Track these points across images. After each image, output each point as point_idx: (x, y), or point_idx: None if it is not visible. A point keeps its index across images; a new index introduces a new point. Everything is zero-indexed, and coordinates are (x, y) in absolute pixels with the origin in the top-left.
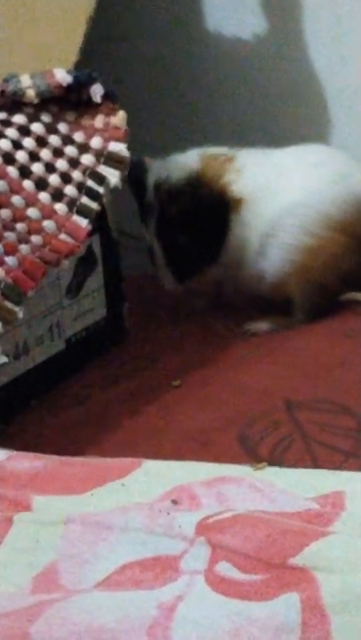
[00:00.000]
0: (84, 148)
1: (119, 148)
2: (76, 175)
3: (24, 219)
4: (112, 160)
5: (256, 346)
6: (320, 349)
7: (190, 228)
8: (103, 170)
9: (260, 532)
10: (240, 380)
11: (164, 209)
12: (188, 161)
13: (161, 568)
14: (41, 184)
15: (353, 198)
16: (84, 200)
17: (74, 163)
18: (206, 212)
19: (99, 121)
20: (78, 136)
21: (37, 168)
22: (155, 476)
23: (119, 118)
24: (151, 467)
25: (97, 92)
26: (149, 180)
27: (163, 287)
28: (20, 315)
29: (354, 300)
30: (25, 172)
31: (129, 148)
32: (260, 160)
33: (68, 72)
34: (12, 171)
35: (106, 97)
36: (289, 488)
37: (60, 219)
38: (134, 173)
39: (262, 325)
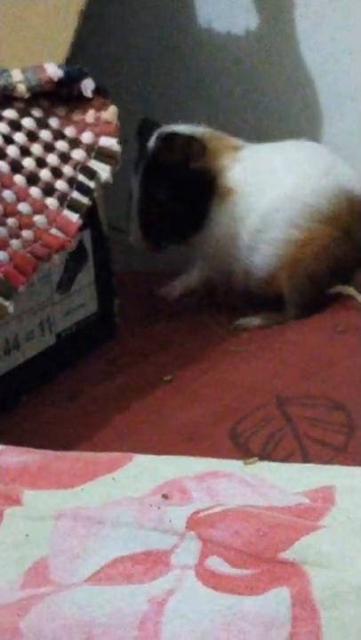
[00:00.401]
0: (74, 143)
1: (110, 142)
2: (67, 170)
3: (15, 213)
4: (103, 155)
5: (247, 341)
6: (311, 345)
7: (173, 185)
8: (94, 164)
9: (251, 526)
10: (231, 375)
11: (157, 154)
12: (197, 129)
13: (152, 562)
14: (32, 179)
15: (339, 191)
16: (75, 195)
17: (65, 157)
18: (194, 177)
19: (90, 116)
20: (69, 131)
21: (28, 163)
22: (145, 471)
23: (110, 113)
24: (142, 461)
25: (88, 86)
26: (154, 134)
27: (129, 242)
28: (11, 310)
29: (342, 293)
30: (16, 167)
31: (120, 142)
32: (255, 155)
33: (59, 67)
34: (3, 165)
35: (97, 92)
36: (279, 483)
37: (51, 213)
38: (145, 127)
39: (253, 321)
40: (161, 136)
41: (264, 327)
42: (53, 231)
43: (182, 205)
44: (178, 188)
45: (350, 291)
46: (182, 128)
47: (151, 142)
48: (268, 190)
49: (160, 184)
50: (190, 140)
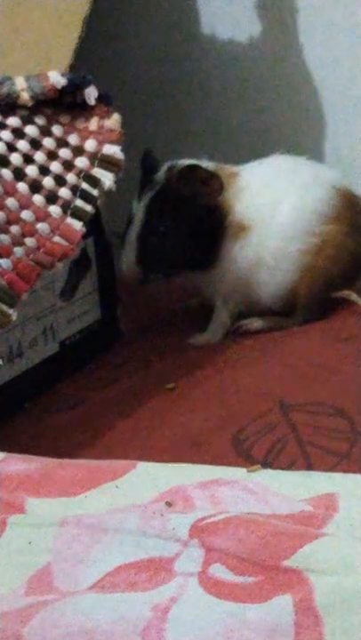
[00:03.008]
0: (78, 151)
1: (113, 150)
2: (71, 178)
3: (18, 221)
4: (106, 162)
5: (250, 348)
6: (314, 352)
7: (182, 218)
8: (97, 172)
9: (254, 534)
10: (234, 382)
11: (172, 186)
12: (208, 163)
13: (155, 570)
14: (35, 186)
15: (335, 191)
16: (79, 203)
17: (68, 165)
18: (206, 214)
19: (93, 123)
20: (72, 138)
21: (31, 170)
22: (148, 478)
23: (113, 121)
24: (145, 469)
25: (91, 94)
26: (163, 164)
27: (120, 270)
28: (14, 317)
29: (346, 298)
30: (19, 175)
31: (123, 150)
32: (253, 181)
33: (63, 74)
34: (7, 173)
35: (100, 99)
36: (283, 490)
37: (55, 221)
38: (148, 159)
39: (256, 323)
40: (179, 168)
41: (266, 333)
42: (57, 239)
43: (189, 240)
44: (187, 222)
45: (353, 296)
46: (191, 161)
47: (160, 173)
48: (278, 212)
49: (168, 215)
50: (213, 175)
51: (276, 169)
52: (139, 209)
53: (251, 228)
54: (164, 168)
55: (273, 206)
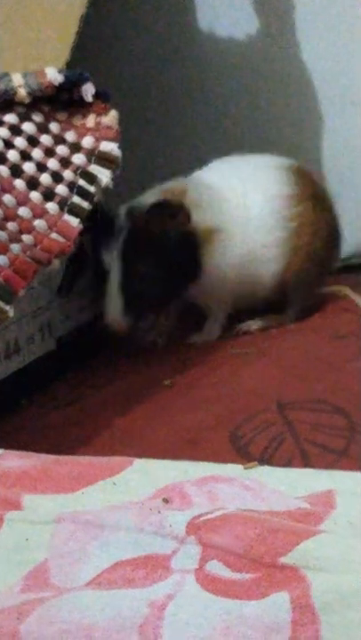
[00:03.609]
0: (75, 148)
1: (110, 147)
2: (68, 174)
3: (15, 218)
4: (103, 159)
5: (248, 347)
6: (311, 350)
7: (163, 253)
8: (94, 169)
9: (251, 531)
10: (232, 380)
11: (134, 230)
12: (154, 193)
13: (152, 567)
14: (32, 183)
15: (294, 172)
16: (76, 199)
17: (65, 162)
18: (181, 240)
19: (90, 120)
20: (70, 135)
21: (29, 167)
22: (146, 475)
23: (111, 118)
24: (142, 465)
25: (88, 91)
26: (121, 209)
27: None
28: (11, 314)
29: (340, 294)
30: (16, 172)
31: (121, 147)
32: (210, 186)
33: (60, 71)
34: (4, 170)
35: (97, 96)
36: (280, 487)
37: (52, 218)
38: (103, 210)
39: (254, 324)
40: (144, 209)
41: (264, 332)
42: (54, 235)
43: (171, 271)
44: (164, 257)
45: (346, 291)
46: (148, 197)
47: (122, 218)
48: (247, 207)
49: (145, 256)
50: (179, 207)
51: (226, 169)
52: (112, 259)
53: (224, 231)
54: (123, 212)
55: (240, 204)
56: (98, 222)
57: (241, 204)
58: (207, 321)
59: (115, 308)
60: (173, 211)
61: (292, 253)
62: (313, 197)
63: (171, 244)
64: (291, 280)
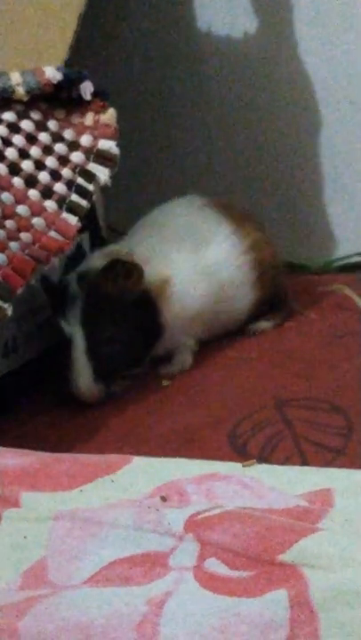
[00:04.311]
0: (73, 146)
1: (109, 145)
2: (66, 173)
3: (13, 216)
4: (102, 157)
5: (245, 345)
6: (309, 349)
7: (122, 314)
8: (93, 167)
9: (249, 528)
10: (230, 378)
11: (90, 295)
12: (98, 257)
13: (150, 564)
14: (31, 181)
15: (216, 206)
16: (74, 197)
17: (63, 160)
18: (138, 300)
19: (88, 118)
20: (68, 133)
21: (27, 165)
22: (144, 473)
23: (109, 116)
24: (141, 463)
25: (87, 89)
26: (70, 277)
27: (75, 395)
28: (10, 312)
29: (340, 293)
30: (14, 170)
31: (119, 145)
32: (152, 242)
33: (58, 69)
34: (2, 168)
35: (96, 94)
36: (278, 485)
37: (50, 216)
38: (46, 281)
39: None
40: (89, 277)
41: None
42: (52, 234)
43: (136, 330)
44: (126, 317)
45: (345, 290)
46: (94, 261)
47: (74, 287)
48: (200, 251)
49: (107, 320)
50: (131, 266)
51: (157, 224)
52: (72, 328)
53: (176, 281)
54: (73, 279)
55: (188, 250)
56: (49, 295)
57: (189, 250)
58: (176, 353)
59: (84, 378)
60: (127, 270)
61: (262, 272)
62: (247, 220)
63: (129, 305)
64: (266, 297)
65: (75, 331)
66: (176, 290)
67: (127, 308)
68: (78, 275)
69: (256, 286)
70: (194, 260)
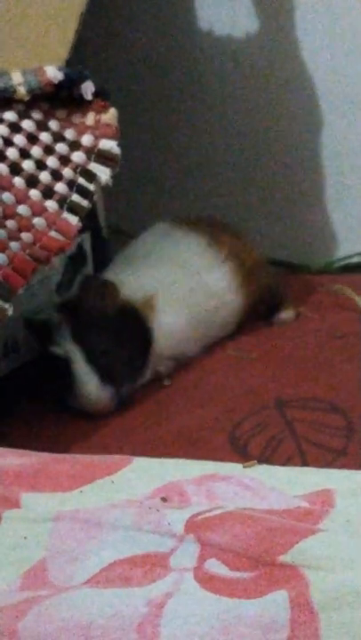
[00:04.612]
0: (74, 146)
1: (110, 145)
2: (67, 172)
3: (14, 216)
4: (103, 157)
5: (246, 346)
6: (310, 349)
7: (108, 329)
8: (94, 167)
9: (250, 529)
10: (230, 378)
11: (77, 315)
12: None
13: (150, 565)
14: (31, 181)
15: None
16: (75, 197)
17: (64, 160)
18: (122, 313)
19: (90, 118)
20: (69, 133)
21: (28, 165)
22: (144, 474)
23: (110, 116)
24: (141, 464)
25: (88, 89)
26: (49, 313)
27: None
28: (10, 312)
29: (341, 293)
30: (15, 169)
31: (120, 145)
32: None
33: (60, 69)
34: (3, 167)
35: (97, 94)
36: (279, 486)
37: (51, 216)
38: (30, 322)
39: (289, 314)
40: (70, 303)
41: (265, 331)
42: (53, 234)
43: (128, 341)
44: (115, 328)
45: (346, 290)
46: (72, 291)
47: (55, 316)
48: (176, 265)
49: (100, 332)
50: (103, 283)
51: (134, 251)
52: (66, 346)
53: (161, 295)
54: (54, 311)
55: (168, 265)
56: (34, 332)
57: (169, 267)
58: None
59: (91, 385)
60: (101, 283)
61: (250, 275)
62: (221, 231)
63: (114, 317)
64: (256, 299)
65: (69, 348)
66: (161, 304)
67: (112, 321)
68: (58, 306)
69: (241, 291)
70: (175, 274)
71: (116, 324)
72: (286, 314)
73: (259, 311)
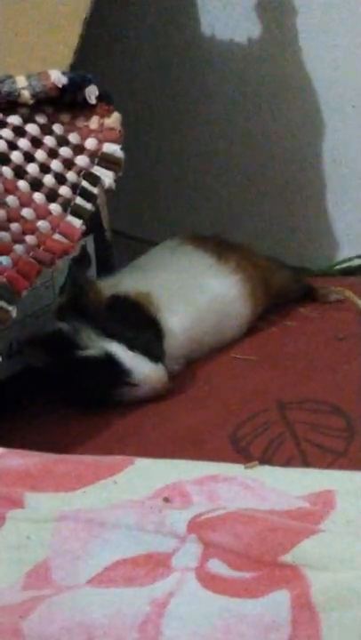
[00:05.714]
0: (78, 149)
1: (113, 149)
2: (71, 176)
3: (18, 219)
4: (106, 161)
5: (247, 348)
6: (311, 351)
7: (120, 319)
8: (97, 171)
9: (251, 529)
10: (232, 380)
11: (86, 316)
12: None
13: (152, 565)
14: (35, 184)
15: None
16: (79, 201)
17: (68, 163)
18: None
19: (93, 122)
20: (73, 137)
21: (32, 169)
22: (147, 474)
23: (114, 119)
24: (143, 465)
25: (92, 93)
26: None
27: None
28: (14, 314)
29: (342, 296)
30: (19, 173)
31: (123, 148)
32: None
33: (64, 73)
34: (7, 171)
35: (100, 98)
36: (280, 487)
37: (55, 219)
38: (30, 344)
39: (335, 294)
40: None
41: (268, 331)
42: (57, 237)
43: (140, 324)
44: (124, 317)
45: (346, 292)
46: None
47: (59, 326)
48: (193, 281)
49: (119, 323)
50: (86, 284)
51: (142, 264)
52: (104, 345)
53: (162, 297)
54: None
55: (177, 279)
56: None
57: (177, 272)
58: None
59: (147, 369)
60: (86, 290)
61: (252, 296)
62: (225, 246)
63: (110, 309)
64: (266, 304)
65: (104, 345)
66: (166, 304)
67: (113, 310)
68: (58, 315)
69: (250, 300)
70: (182, 279)
71: (118, 313)
72: (334, 294)
73: (281, 305)
